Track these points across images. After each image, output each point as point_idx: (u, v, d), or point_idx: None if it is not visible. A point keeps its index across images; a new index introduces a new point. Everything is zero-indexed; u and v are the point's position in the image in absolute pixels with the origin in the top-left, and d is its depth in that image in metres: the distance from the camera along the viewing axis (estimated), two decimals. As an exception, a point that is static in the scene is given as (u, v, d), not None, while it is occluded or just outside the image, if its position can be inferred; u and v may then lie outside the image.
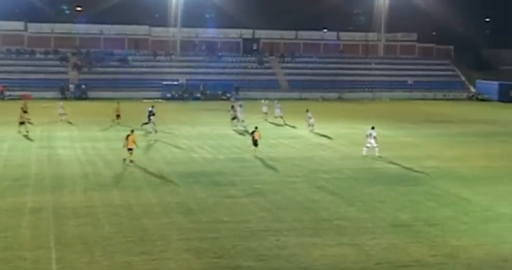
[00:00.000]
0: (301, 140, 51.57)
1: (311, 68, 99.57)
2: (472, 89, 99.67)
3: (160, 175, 37.16)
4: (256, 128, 45.11)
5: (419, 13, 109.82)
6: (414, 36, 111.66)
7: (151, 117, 53.28)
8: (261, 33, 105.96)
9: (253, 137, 44.48)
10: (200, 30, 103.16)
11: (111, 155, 43.14)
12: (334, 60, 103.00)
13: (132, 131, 41.63)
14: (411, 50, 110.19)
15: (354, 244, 25.03)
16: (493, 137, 54.87)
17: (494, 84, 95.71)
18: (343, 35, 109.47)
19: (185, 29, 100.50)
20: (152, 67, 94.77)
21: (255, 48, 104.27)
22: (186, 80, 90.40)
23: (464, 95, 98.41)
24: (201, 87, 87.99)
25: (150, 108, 55.75)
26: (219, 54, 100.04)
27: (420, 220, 28.57)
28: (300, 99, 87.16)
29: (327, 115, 67.40)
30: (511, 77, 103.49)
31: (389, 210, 30.32)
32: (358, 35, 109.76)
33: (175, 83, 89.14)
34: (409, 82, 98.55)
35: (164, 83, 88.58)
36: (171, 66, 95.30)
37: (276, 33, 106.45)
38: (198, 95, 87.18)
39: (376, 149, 43.57)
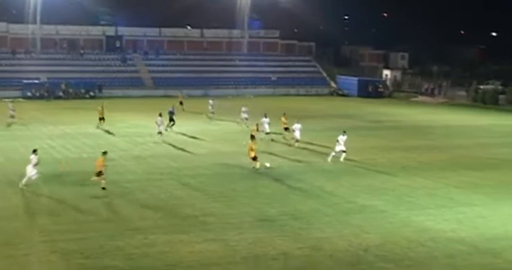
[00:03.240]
0: (167, 137, 51.39)
1: (175, 65, 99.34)
2: (333, 85, 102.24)
3: (21, 176, 36.07)
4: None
5: (282, 10, 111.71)
6: (277, 33, 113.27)
7: (174, 117, 54.66)
8: (124, 31, 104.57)
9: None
10: (60, 27, 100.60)
11: (-31, 157, 41.67)
12: (198, 57, 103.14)
13: (253, 137, 40.84)
14: (274, 47, 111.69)
15: (221, 240, 25.31)
16: (354, 131, 56.35)
17: (353, 80, 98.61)
18: (207, 32, 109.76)
19: (45, 26, 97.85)
20: (11, 65, 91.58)
21: (118, 45, 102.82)
22: (48, 78, 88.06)
23: (326, 90, 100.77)
24: (63, 85, 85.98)
25: (170, 109, 55.62)
26: (81, 51, 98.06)
27: (285, 214, 29.21)
28: (165, 96, 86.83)
29: (193, 112, 67.48)
30: (369, 73, 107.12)
31: (256, 205, 30.81)
32: (221, 32, 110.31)
33: (36, 81, 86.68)
34: (273, 78, 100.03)
35: (24, 81, 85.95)
36: (31, 64, 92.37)
37: (139, 31, 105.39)
38: (60, 93, 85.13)
39: (344, 154, 42.31)
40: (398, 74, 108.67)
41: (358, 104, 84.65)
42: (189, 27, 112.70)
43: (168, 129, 53.66)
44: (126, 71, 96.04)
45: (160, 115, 50.35)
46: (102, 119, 55.64)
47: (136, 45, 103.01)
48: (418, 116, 72.30)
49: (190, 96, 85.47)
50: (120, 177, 36.41)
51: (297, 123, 48.33)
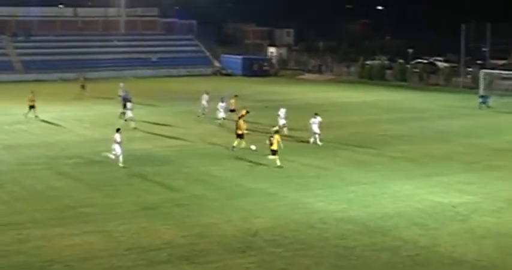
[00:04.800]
0: (40, 124, 50.20)
1: (48, 47, 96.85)
2: (217, 64, 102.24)
3: None
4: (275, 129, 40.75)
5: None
6: (156, 11, 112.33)
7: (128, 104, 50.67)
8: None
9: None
10: None
11: None
12: (72, 38, 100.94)
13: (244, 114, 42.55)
14: (153, 26, 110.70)
15: (102, 231, 24.94)
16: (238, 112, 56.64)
17: (238, 59, 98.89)
18: (81, 11, 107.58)
19: None
20: None
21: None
22: None
23: (209, 70, 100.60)
24: None
25: (124, 95, 53.52)
26: None
27: (170, 201, 29.09)
28: (37, 81, 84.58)
29: (67, 97, 66.10)
30: (254, 51, 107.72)
31: (138, 193, 30.54)
32: (97, 11, 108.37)
33: None
34: (153, 59, 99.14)
35: None
36: None
37: (6, 10, 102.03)
38: None
39: (317, 136, 42.40)
40: (284, 51, 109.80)
41: (244, 83, 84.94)
42: (61, 6, 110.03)
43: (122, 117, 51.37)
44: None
45: (130, 101, 49.89)
46: (32, 107, 53.17)
47: (4, 26, 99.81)
48: (306, 94, 73.29)
49: (64, 81, 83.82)
50: (-11, 169, 35.36)
51: (282, 108, 47.38)
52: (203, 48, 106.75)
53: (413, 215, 27.31)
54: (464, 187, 31.93)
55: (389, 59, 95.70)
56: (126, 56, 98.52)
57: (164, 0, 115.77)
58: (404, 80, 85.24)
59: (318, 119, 42.67)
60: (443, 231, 25.23)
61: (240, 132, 39.77)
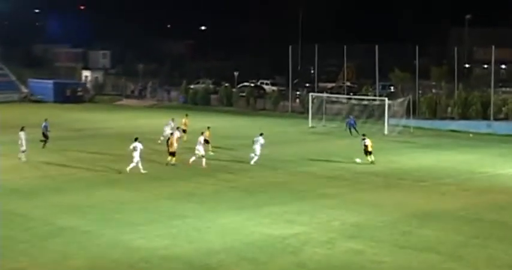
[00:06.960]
0: None
1: None
2: (24, 89, 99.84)
3: None
4: (364, 135, 49.27)
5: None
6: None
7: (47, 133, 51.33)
8: None
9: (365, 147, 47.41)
10: None
11: None
12: None
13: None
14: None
15: None
16: (51, 142, 55.43)
17: (48, 84, 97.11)
18: None
19: None
20: None
21: None
22: None
23: (16, 96, 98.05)
24: None
25: (44, 123, 52.54)
26: None
27: (-30, 245, 27.96)
28: None
29: None
30: (66, 75, 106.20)
31: None
32: None
33: None
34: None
35: None
36: None
37: None
38: None
39: (256, 157, 46.32)
40: (100, 74, 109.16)
41: (55, 110, 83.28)
42: None
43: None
44: None
45: (22, 129, 48.12)
46: None
47: None
48: (124, 121, 72.92)
49: None
50: None
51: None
52: (8, 72, 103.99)
53: (241, 249, 27.59)
54: (295, 217, 32.66)
55: (214, 83, 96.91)
56: None
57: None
58: (231, 105, 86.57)
59: (260, 138, 46.84)
60: (274, 266, 25.65)
61: (172, 150, 45.58)
